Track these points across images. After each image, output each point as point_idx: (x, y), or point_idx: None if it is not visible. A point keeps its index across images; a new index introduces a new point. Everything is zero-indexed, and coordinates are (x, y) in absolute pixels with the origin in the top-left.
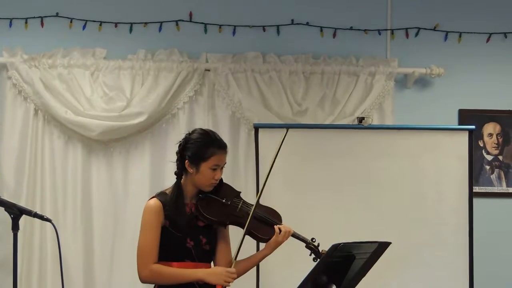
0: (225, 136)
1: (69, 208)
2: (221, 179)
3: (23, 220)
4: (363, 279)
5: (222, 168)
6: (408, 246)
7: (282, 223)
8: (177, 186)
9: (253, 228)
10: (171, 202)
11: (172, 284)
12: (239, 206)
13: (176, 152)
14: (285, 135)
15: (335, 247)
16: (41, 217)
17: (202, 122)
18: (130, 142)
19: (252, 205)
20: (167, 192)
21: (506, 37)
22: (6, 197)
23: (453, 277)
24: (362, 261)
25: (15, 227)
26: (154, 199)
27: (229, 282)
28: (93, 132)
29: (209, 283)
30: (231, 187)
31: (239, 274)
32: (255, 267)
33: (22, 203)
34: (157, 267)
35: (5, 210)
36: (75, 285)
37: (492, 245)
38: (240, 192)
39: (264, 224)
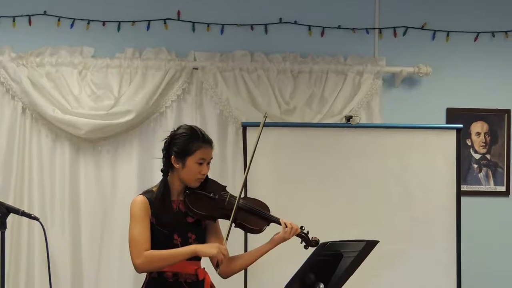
0: (213, 134)
1: (57, 206)
2: (206, 175)
3: (11, 218)
4: (350, 277)
5: (208, 163)
6: (396, 244)
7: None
8: (163, 183)
9: (243, 220)
10: (157, 198)
11: (168, 264)
12: (227, 199)
13: (162, 149)
14: (265, 119)
15: (323, 245)
16: (29, 216)
17: (190, 120)
18: (118, 140)
19: (241, 198)
20: (153, 189)
21: (494, 36)
22: None
23: (441, 276)
24: (350, 260)
25: (3, 226)
26: (141, 196)
27: (222, 253)
28: (81, 130)
29: (202, 253)
30: (216, 181)
31: (239, 269)
32: None
33: (10, 201)
34: (150, 252)
35: None
36: (63, 283)
37: (479, 243)
38: (226, 186)
39: (253, 215)
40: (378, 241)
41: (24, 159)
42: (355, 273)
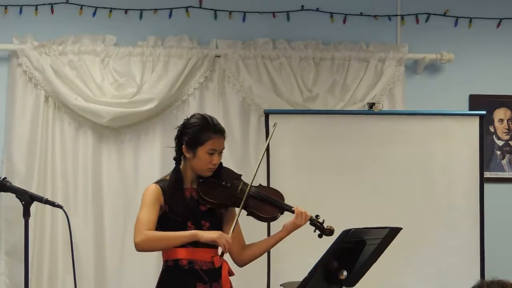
0: (235, 122)
1: (80, 194)
2: (221, 163)
3: (34, 206)
4: (373, 264)
5: (220, 153)
6: (419, 231)
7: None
8: (176, 171)
9: (254, 208)
10: (169, 186)
11: (167, 246)
12: (240, 187)
13: (174, 138)
14: (274, 128)
15: (346, 233)
16: (52, 204)
17: (212, 108)
18: (141, 128)
19: (253, 186)
20: (167, 178)
21: None
22: (17, 184)
23: (464, 263)
24: (373, 247)
25: (26, 214)
26: (153, 184)
27: (224, 239)
28: (104, 118)
29: (203, 238)
30: (231, 170)
31: (252, 257)
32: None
33: (33, 189)
34: (151, 231)
35: (16, 196)
36: (86, 271)
37: (503, 230)
38: (241, 175)
39: (266, 204)
40: (401, 228)
41: (47, 147)
42: (377, 260)
